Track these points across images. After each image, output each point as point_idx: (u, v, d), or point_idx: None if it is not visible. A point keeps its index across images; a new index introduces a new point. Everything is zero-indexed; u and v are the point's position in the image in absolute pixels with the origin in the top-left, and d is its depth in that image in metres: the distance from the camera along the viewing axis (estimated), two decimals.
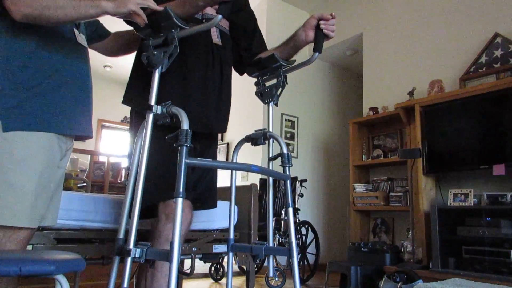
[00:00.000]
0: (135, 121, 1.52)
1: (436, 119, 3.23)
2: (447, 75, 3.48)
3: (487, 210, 2.80)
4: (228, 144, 5.09)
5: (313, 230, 3.93)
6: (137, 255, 1.12)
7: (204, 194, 1.61)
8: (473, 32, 3.40)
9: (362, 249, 3.34)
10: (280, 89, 1.50)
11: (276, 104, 1.52)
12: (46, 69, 1.29)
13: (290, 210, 1.34)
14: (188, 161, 1.09)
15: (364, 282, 3.03)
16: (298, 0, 5.01)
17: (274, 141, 1.46)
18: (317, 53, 1.42)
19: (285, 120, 4.78)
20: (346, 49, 4.98)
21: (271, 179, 1.52)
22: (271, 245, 1.45)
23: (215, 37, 1.58)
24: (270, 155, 1.49)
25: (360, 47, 4.53)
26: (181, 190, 1.06)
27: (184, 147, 1.09)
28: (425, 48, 3.78)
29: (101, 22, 1.73)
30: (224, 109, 1.60)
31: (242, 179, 4.75)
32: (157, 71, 1.27)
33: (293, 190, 4.08)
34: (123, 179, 5.97)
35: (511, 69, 3.04)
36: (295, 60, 1.55)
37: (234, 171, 1.53)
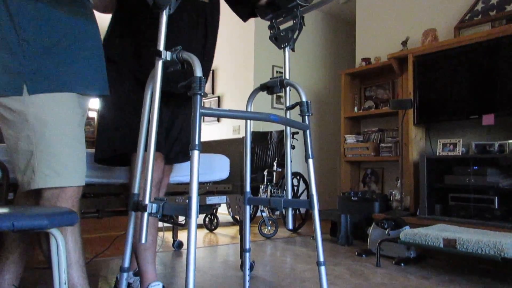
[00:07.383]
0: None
1: (429, 69, 3.20)
2: (441, 24, 3.41)
3: (474, 159, 2.86)
4: (219, 97, 5.04)
5: (305, 181, 4.00)
6: (154, 210, 1.09)
7: (187, 146, 1.58)
8: None
9: (352, 198, 3.43)
10: (297, 32, 1.38)
11: (293, 49, 1.42)
12: (58, 29, 1.27)
13: (311, 161, 1.31)
14: (202, 110, 1.01)
15: (354, 229, 3.14)
16: None
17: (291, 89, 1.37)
18: None
19: (276, 72, 4.71)
20: None
21: (288, 129, 1.46)
22: (289, 197, 1.41)
23: None
24: (287, 104, 1.42)
25: None
26: (196, 142, 1.00)
27: (198, 96, 1.01)
28: None
29: None
30: (205, 72, 1.55)
31: (234, 132, 4.75)
32: (164, 12, 1.15)
33: None
34: None
35: (507, 16, 2.97)
36: None
37: (249, 121, 1.48)
